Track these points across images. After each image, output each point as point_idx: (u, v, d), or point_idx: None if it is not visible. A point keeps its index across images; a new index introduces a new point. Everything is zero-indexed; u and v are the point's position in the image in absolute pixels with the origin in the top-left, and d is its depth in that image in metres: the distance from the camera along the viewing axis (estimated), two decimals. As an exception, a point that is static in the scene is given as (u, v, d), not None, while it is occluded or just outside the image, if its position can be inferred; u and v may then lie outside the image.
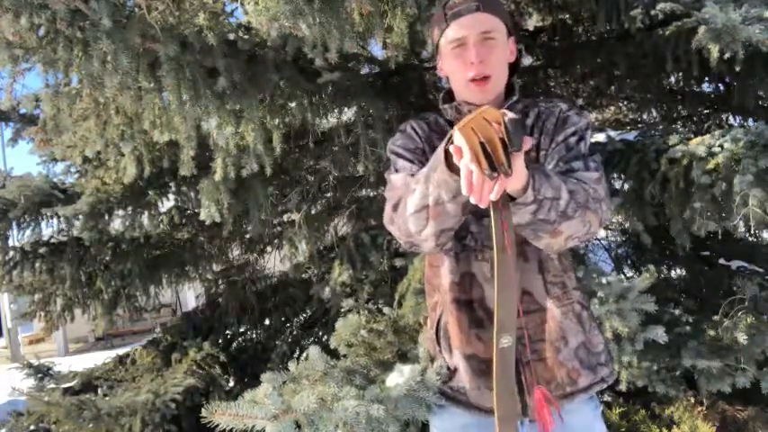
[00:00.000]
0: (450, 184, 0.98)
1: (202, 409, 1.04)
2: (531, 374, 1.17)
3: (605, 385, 1.25)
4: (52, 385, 3.06)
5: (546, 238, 1.05)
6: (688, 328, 2.05)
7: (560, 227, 1.02)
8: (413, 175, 1.14)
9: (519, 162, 0.90)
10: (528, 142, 0.90)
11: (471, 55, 1.13)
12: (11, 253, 2.87)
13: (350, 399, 1.17)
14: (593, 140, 1.24)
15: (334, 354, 1.66)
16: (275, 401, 1.07)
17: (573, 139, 1.16)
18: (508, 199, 0.98)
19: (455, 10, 1.15)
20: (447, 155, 0.96)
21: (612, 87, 3.00)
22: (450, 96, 1.29)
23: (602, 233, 3.54)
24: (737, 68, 1.85)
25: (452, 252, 1.23)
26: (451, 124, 1.25)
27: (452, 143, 0.92)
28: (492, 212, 0.98)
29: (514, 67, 1.26)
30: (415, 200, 1.07)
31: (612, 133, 2.83)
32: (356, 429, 1.12)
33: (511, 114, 0.89)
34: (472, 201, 0.92)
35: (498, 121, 0.87)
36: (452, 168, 0.96)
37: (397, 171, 1.23)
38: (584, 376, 1.20)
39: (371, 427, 1.14)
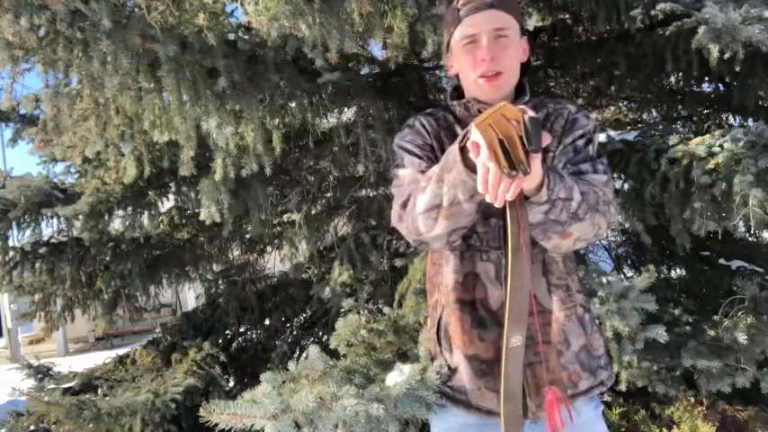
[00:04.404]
0: (467, 184, 0.96)
1: (201, 409, 1.04)
2: (536, 376, 1.17)
3: (604, 388, 1.25)
4: (52, 385, 3.06)
5: (555, 239, 1.05)
6: (688, 328, 2.05)
7: (570, 228, 1.02)
8: (422, 172, 1.12)
9: (537, 161, 0.89)
10: (547, 139, 0.88)
11: (483, 52, 1.11)
12: (11, 253, 2.87)
13: (349, 398, 1.17)
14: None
15: (334, 354, 1.66)
16: (274, 401, 1.07)
17: (581, 142, 1.16)
18: (524, 198, 0.97)
19: (468, 6, 1.13)
20: (463, 154, 0.95)
21: (612, 87, 2.99)
22: (458, 93, 1.27)
23: (602, 233, 3.53)
24: (737, 68, 1.85)
25: (458, 251, 1.22)
26: (460, 121, 1.24)
27: (468, 140, 0.90)
28: (508, 211, 0.96)
29: (525, 67, 1.23)
30: (425, 199, 1.05)
31: (612, 133, 2.82)
32: (355, 428, 1.12)
33: (531, 112, 0.87)
34: (488, 199, 0.91)
35: (517, 119, 0.85)
36: (469, 167, 0.94)
37: (404, 167, 1.21)
38: (585, 379, 1.20)
39: (371, 427, 1.14)
